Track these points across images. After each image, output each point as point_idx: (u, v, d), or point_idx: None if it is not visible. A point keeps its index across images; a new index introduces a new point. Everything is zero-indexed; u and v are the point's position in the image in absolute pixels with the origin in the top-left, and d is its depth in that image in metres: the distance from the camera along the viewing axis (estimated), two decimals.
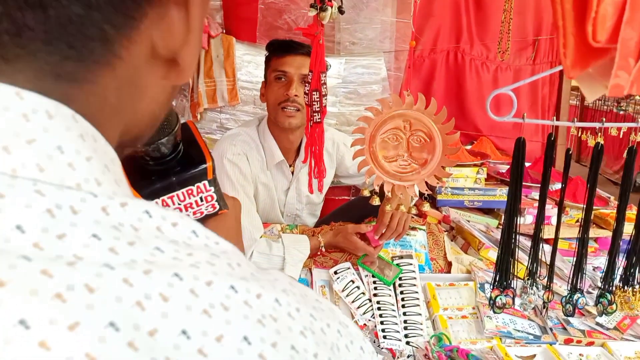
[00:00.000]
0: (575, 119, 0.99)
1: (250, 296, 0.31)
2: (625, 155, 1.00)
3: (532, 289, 1.10)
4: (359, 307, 1.36)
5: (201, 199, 0.72)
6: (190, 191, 0.71)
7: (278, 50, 1.68)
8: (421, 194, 1.20)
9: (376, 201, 1.10)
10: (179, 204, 0.70)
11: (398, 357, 1.21)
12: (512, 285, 1.09)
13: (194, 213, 0.72)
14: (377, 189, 1.04)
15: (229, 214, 0.84)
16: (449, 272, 1.58)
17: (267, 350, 0.29)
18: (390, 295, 1.39)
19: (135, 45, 0.34)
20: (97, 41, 0.32)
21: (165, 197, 0.69)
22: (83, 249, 0.26)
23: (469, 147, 2.50)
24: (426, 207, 1.15)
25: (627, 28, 0.51)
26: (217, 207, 0.76)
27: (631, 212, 1.43)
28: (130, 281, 0.26)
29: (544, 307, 1.16)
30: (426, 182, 1.02)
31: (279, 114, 1.66)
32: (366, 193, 1.11)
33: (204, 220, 0.76)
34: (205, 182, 0.72)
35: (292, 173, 1.84)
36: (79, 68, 0.32)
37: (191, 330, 0.27)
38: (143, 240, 0.28)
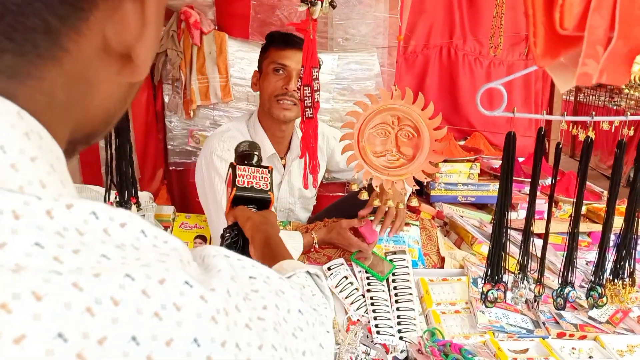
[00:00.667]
0: (565, 113, 0.99)
1: (204, 291, 0.30)
2: (616, 149, 1.00)
3: (523, 282, 1.10)
4: (352, 303, 1.36)
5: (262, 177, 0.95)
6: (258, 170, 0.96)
7: (279, 42, 1.66)
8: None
9: (364, 196, 1.10)
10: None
11: (391, 352, 1.21)
12: (503, 280, 1.10)
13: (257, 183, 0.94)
14: (365, 183, 1.04)
15: (273, 214, 0.93)
16: (442, 267, 1.58)
17: (215, 352, 0.29)
18: (383, 291, 1.39)
19: (85, 39, 0.32)
20: (40, 33, 0.30)
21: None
22: (25, 258, 0.24)
23: (462, 142, 2.50)
24: (414, 202, 1.14)
25: (594, 15, 0.50)
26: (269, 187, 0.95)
27: (623, 206, 1.43)
28: (80, 285, 0.25)
29: (535, 301, 1.16)
30: (414, 178, 1.02)
31: (274, 105, 1.65)
32: (355, 188, 1.11)
33: (259, 202, 0.93)
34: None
35: (284, 166, 1.83)
36: (20, 62, 0.30)
37: (141, 335, 0.26)
38: (88, 247, 0.27)
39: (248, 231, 0.89)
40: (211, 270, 0.36)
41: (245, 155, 0.99)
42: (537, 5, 0.50)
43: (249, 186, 0.93)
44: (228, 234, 0.91)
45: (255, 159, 0.99)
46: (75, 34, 0.31)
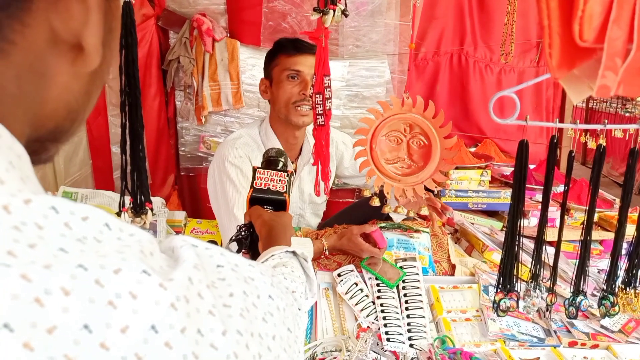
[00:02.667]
0: (578, 121, 0.99)
1: (163, 279, 0.30)
2: (628, 157, 1.00)
3: (535, 291, 1.10)
4: (362, 310, 1.36)
5: (279, 180, 0.99)
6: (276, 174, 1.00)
7: (289, 48, 1.66)
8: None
9: (376, 202, 1.10)
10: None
11: None
12: (515, 288, 1.09)
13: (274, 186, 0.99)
14: (377, 190, 1.05)
15: (288, 215, 0.95)
16: (452, 274, 1.57)
17: (174, 338, 0.29)
18: (393, 298, 1.39)
19: (31, 30, 0.31)
20: None
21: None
22: None
23: (473, 149, 2.50)
24: (424, 210, 1.15)
25: (614, 27, 0.50)
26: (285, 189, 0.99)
27: (635, 214, 1.42)
28: (29, 276, 0.25)
29: (547, 310, 1.16)
30: (425, 186, 1.02)
31: (292, 112, 1.66)
32: (367, 194, 1.11)
33: (275, 204, 0.97)
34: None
35: (295, 171, 1.84)
36: None
37: (93, 323, 0.25)
38: (46, 241, 0.27)
39: (258, 227, 0.92)
40: (177, 260, 0.35)
41: (272, 160, 1.05)
42: (553, 16, 0.51)
43: (265, 188, 0.97)
44: (239, 230, 0.95)
45: (280, 165, 1.03)
46: (19, 25, 0.31)
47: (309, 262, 0.78)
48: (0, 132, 0.30)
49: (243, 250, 0.94)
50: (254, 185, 0.98)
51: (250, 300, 0.41)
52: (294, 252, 0.79)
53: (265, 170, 0.99)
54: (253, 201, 0.98)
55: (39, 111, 0.35)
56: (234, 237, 0.94)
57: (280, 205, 0.98)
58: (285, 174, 0.99)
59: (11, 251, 0.25)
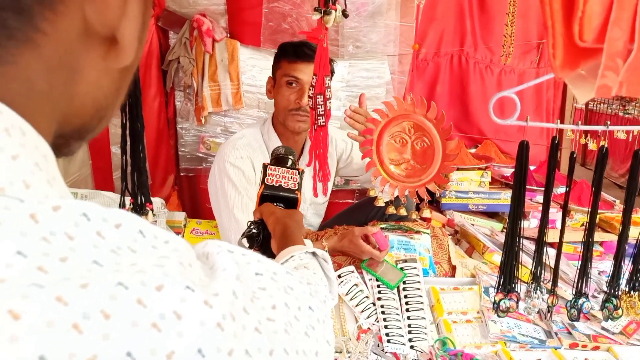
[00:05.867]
0: (580, 122, 0.98)
1: (208, 295, 0.27)
2: (632, 159, 1.00)
3: (536, 293, 1.10)
4: (362, 311, 1.36)
5: (290, 177, 0.98)
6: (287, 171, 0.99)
7: (291, 54, 1.66)
8: (421, 199, 1.21)
9: (380, 202, 1.10)
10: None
11: None
12: (516, 289, 1.09)
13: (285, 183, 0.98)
14: (380, 189, 1.05)
15: (299, 213, 0.93)
16: (453, 276, 1.57)
17: None
18: (394, 299, 1.39)
19: (63, 19, 0.29)
20: (10, 12, 0.26)
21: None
22: (5, 269, 0.22)
23: (473, 150, 2.49)
24: (426, 212, 1.15)
25: (614, 27, 0.50)
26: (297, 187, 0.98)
27: (637, 216, 1.42)
28: (65, 299, 0.22)
29: (548, 312, 1.15)
30: (426, 188, 1.02)
31: (289, 118, 1.67)
32: (372, 194, 1.11)
33: (287, 201, 0.96)
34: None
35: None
36: None
37: (137, 351, 0.23)
38: (78, 253, 0.24)
39: (270, 225, 0.90)
40: (216, 269, 0.33)
41: (280, 158, 1.03)
42: (557, 17, 0.50)
43: (277, 185, 0.96)
44: (250, 227, 0.94)
45: (289, 163, 1.02)
46: (51, 13, 0.28)
47: (329, 263, 0.76)
48: (25, 129, 0.27)
49: (254, 247, 0.93)
50: (266, 181, 0.96)
51: (293, 313, 0.38)
52: (313, 253, 0.76)
53: (277, 167, 0.98)
54: (264, 198, 0.97)
55: (66, 108, 0.32)
56: (245, 233, 0.93)
57: (292, 203, 0.97)
58: (297, 171, 0.99)
59: (41, 267, 0.23)
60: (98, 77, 0.33)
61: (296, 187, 0.97)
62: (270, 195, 0.96)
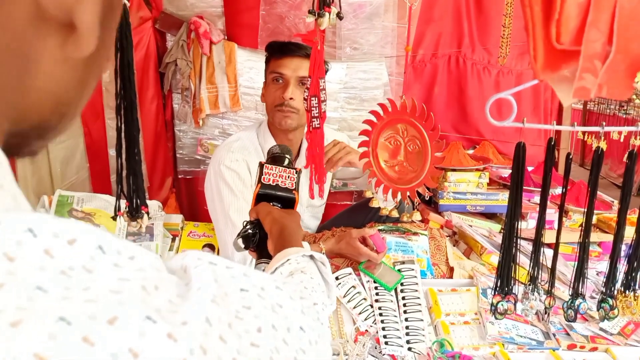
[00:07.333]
0: (575, 123, 0.98)
1: (173, 326, 0.24)
2: (625, 159, 1.00)
3: (533, 294, 1.09)
4: (360, 313, 1.36)
5: (288, 177, 0.97)
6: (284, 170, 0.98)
7: (276, 51, 1.69)
8: (412, 202, 1.21)
9: (375, 203, 1.10)
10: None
11: None
12: (513, 291, 1.09)
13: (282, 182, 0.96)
14: (376, 190, 1.05)
15: (296, 214, 0.92)
16: (451, 277, 1.57)
17: None
18: (392, 301, 1.39)
19: (10, 3, 0.26)
20: None
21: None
22: None
23: (471, 151, 2.49)
24: (417, 216, 1.15)
25: (591, 29, 0.50)
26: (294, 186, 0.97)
27: (634, 216, 1.41)
28: None
29: (545, 313, 1.15)
30: (417, 191, 1.02)
31: (276, 114, 1.68)
32: (368, 194, 1.11)
33: (284, 201, 0.94)
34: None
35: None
36: None
37: None
38: (18, 278, 0.21)
39: (267, 225, 0.87)
40: (191, 287, 0.29)
41: (277, 157, 1.02)
42: (537, 19, 0.50)
43: (274, 184, 0.95)
44: (246, 226, 0.91)
45: (286, 162, 1.01)
46: None
47: (327, 266, 0.73)
48: None
49: (250, 248, 0.91)
50: (262, 180, 0.94)
51: (281, 336, 0.35)
52: (311, 256, 0.73)
53: (274, 166, 0.96)
54: (260, 197, 0.95)
55: (20, 103, 0.29)
56: (240, 234, 0.91)
57: (289, 203, 0.95)
58: (294, 170, 0.97)
59: None
60: (56, 69, 0.29)
61: (294, 187, 0.95)
62: (267, 195, 0.94)
